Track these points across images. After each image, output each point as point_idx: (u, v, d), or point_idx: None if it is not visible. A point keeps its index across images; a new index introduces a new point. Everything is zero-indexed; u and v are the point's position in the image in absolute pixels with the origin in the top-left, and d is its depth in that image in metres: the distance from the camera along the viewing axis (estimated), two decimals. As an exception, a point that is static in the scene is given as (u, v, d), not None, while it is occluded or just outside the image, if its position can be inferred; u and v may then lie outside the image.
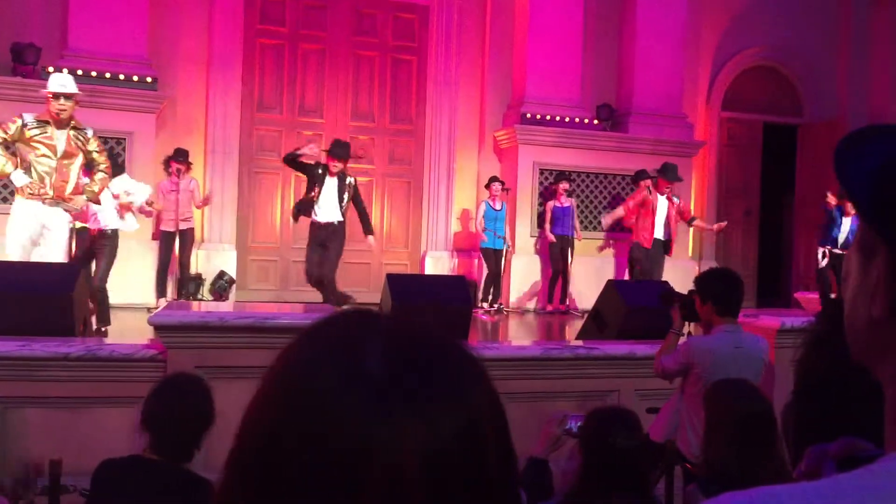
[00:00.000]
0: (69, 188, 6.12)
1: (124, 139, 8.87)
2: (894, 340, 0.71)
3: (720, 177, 12.18)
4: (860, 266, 0.73)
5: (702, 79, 11.96)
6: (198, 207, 9.06)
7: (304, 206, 7.95)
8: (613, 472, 2.36)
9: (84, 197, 6.25)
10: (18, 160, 6.04)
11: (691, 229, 11.32)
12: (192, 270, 9.15)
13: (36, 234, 6.06)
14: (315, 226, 7.90)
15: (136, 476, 2.41)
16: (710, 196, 12.05)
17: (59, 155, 6.06)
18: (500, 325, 9.21)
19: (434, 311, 5.20)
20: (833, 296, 8.12)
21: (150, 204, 7.60)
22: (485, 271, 9.85)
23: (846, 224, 8.90)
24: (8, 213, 6.30)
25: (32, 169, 6.02)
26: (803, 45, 12.35)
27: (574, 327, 8.25)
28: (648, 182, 9.48)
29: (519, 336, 8.56)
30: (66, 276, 5.06)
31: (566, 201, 10.00)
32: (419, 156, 10.85)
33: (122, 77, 8.82)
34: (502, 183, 9.90)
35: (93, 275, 6.85)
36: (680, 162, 11.06)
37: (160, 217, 8.77)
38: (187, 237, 8.83)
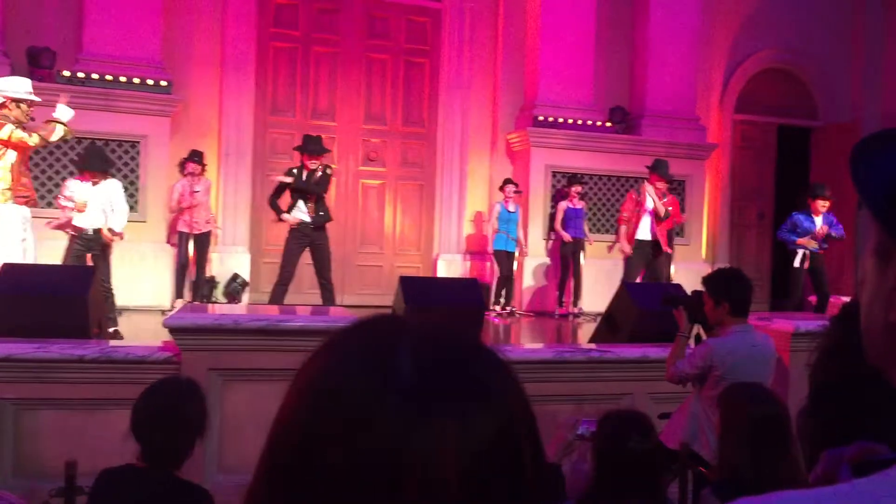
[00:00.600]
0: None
1: (138, 142, 8.93)
2: (910, 345, 0.70)
3: (734, 179, 12.13)
4: (876, 271, 0.73)
5: (715, 81, 11.91)
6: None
7: (291, 206, 7.77)
8: (627, 476, 2.36)
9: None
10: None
11: (704, 231, 11.27)
12: (207, 273, 9.17)
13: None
14: (304, 226, 7.70)
15: (128, 485, 2.39)
16: (724, 199, 12.01)
17: None
18: (512, 327, 9.20)
19: (447, 313, 5.20)
20: (847, 299, 8.05)
21: (111, 231, 6.96)
22: (496, 274, 9.85)
23: (818, 222, 8.97)
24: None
25: None
26: (817, 48, 12.29)
27: (585, 330, 8.24)
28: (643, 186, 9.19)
29: (531, 339, 8.55)
30: (80, 278, 5.10)
31: (578, 203, 9.98)
32: (431, 159, 10.85)
33: (136, 81, 8.86)
34: (516, 185, 9.90)
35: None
36: (693, 165, 11.03)
37: (176, 219, 8.80)
38: (204, 240, 8.83)
